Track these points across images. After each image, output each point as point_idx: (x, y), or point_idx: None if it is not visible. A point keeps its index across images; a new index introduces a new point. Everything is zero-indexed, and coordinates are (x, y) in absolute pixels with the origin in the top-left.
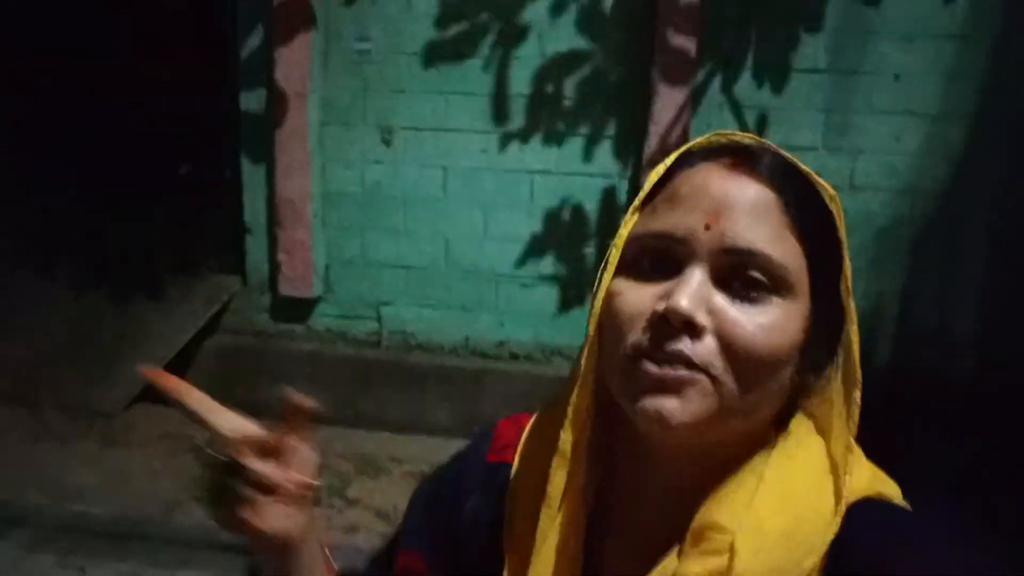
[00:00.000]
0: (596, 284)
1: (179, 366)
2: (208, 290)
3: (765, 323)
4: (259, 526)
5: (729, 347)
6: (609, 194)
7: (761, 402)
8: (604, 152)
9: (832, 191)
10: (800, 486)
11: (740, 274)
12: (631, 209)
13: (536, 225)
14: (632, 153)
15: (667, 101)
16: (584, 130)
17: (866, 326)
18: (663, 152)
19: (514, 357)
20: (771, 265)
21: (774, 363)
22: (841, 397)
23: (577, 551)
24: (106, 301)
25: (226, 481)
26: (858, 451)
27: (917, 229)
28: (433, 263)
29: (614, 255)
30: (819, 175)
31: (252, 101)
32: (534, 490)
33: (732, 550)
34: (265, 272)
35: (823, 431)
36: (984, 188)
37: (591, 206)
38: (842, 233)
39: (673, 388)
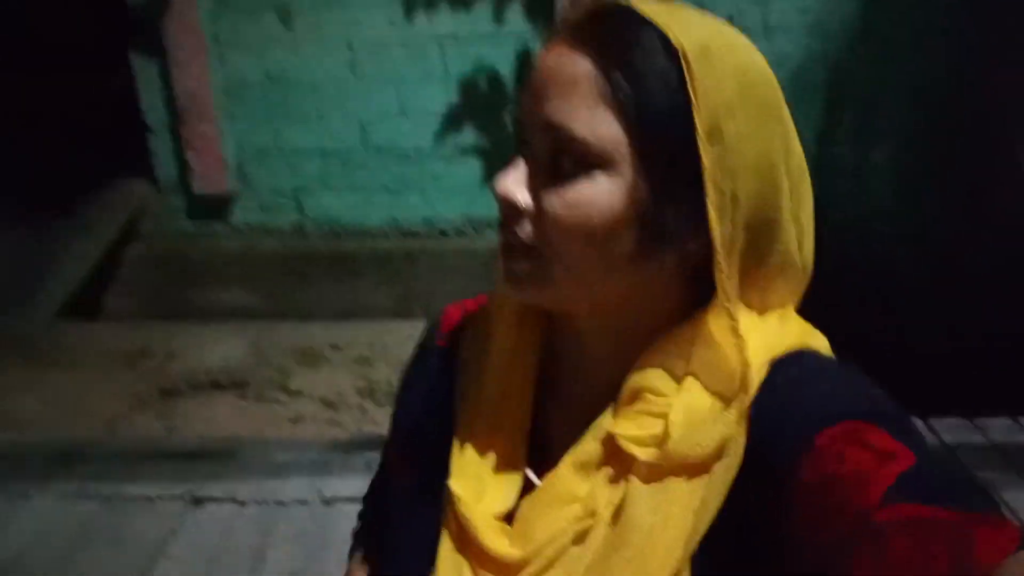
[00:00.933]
0: None
1: (102, 278)
2: (118, 197)
3: (570, 199)
4: None
5: (540, 224)
6: (524, 56)
7: (593, 270)
8: (515, 11)
9: (684, 47)
10: (723, 361)
11: (556, 151)
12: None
13: (452, 96)
14: (545, 9)
15: None
16: None
17: None
18: (576, 6)
19: (444, 234)
20: (573, 141)
21: (586, 235)
22: (724, 258)
23: (521, 419)
24: (14, 221)
25: None
26: (785, 309)
27: (831, 68)
28: (350, 146)
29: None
30: (732, 19)
31: None
32: (480, 363)
33: (668, 421)
34: (175, 172)
35: (747, 303)
36: (899, 24)
37: (506, 70)
38: (697, 89)
39: (510, 269)
